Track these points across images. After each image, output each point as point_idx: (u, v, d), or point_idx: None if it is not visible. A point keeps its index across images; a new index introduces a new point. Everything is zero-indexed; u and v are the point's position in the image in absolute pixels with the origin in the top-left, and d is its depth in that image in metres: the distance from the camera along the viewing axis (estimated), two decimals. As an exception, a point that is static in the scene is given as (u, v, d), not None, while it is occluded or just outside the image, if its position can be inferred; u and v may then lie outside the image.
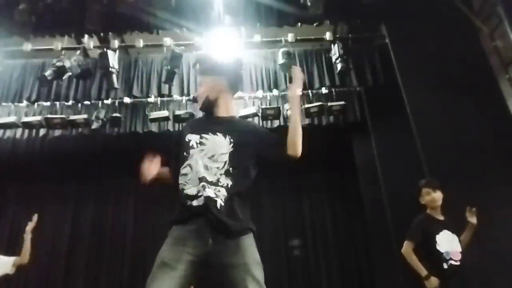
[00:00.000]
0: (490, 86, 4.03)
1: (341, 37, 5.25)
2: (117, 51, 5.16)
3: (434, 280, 2.82)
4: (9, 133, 5.62)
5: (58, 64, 4.92)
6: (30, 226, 3.66)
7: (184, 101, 5.56)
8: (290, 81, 5.63)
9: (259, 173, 1.85)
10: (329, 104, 5.45)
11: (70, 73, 5.03)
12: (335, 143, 6.03)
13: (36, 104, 5.57)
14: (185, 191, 1.70)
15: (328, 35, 5.14)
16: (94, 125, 5.39)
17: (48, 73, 4.94)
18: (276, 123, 5.48)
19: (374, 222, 5.31)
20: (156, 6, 4.35)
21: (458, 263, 2.87)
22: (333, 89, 5.57)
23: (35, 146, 6.16)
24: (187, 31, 4.74)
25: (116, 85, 5.16)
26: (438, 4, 4.29)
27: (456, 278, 2.86)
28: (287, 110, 5.44)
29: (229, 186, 1.69)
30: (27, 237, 3.62)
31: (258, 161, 1.83)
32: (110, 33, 5.06)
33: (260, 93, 5.56)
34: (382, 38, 5.12)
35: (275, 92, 5.60)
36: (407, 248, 2.99)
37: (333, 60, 5.14)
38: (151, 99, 5.58)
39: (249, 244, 1.65)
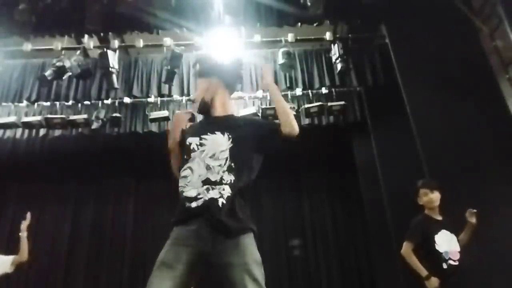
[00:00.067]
0: (490, 86, 4.02)
1: (341, 37, 5.25)
2: (117, 51, 5.16)
3: (434, 280, 2.82)
4: (9, 133, 5.63)
5: (58, 64, 4.92)
6: (24, 224, 3.68)
7: (184, 101, 5.56)
8: (290, 81, 5.65)
9: (259, 173, 1.85)
10: (329, 104, 5.45)
11: (70, 73, 5.03)
12: (335, 143, 6.04)
13: (36, 104, 5.57)
14: (184, 194, 1.70)
15: (328, 35, 5.14)
16: (94, 125, 5.39)
17: (48, 73, 4.94)
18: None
19: (374, 222, 5.31)
20: (156, 6, 4.35)
21: (456, 263, 2.88)
22: (333, 89, 5.57)
23: (35, 146, 6.17)
24: (187, 31, 4.74)
25: (116, 85, 5.16)
26: (438, 4, 4.29)
27: (456, 278, 2.86)
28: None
29: (233, 181, 1.70)
30: (23, 235, 3.64)
31: (260, 150, 1.84)
32: (110, 33, 5.06)
33: (260, 93, 5.56)
34: (382, 38, 5.13)
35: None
36: (406, 249, 2.99)
37: (333, 60, 5.14)
38: (151, 99, 5.58)
39: (249, 244, 1.65)
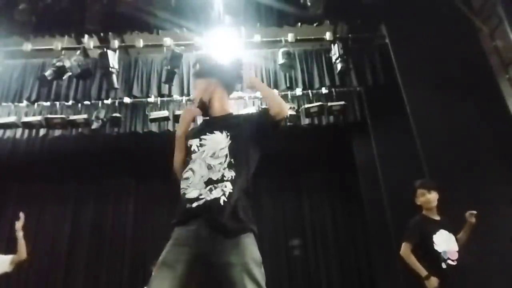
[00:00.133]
0: (490, 86, 4.02)
1: (341, 37, 5.25)
2: (117, 51, 5.16)
3: (434, 280, 2.82)
4: (9, 133, 5.63)
5: (58, 64, 4.92)
6: (19, 224, 3.68)
7: (184, 101, 5.56)
8: (290, 81, 5.64)
9: (259, 173, 1.85)
10: (329, 104, 5.45)
11: (70, 73, 5.03)
12: (335, 143, 6.04)
13: (36, 104, 5.57)
14: (186, 195, 1.71)
15: (328, 35, 5.14)
16: (94, 125, 5.39)
17: (48, 73, 4.94)
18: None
19: (374, 222, 5.31)
20: (156, 6, 4.35)
21: (455, 262, 2.88)
22: (333, 89, 5.58)
23: (35, 146, 6.17)
24: (187, 31, 4.74)
25: (116, 85, 5.16)
26: (438, 4, 4.29)
27: (455, 278, 2.86)
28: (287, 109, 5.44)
29: (233, 177, 1.71)
30: (19, 234, 3.65)
31: (257, 142, 1.85)
32: (110, 33, 5.06)
33: (260, 93, 5.55)
34: (382, 38, 5.12)
35: (275, 92, 5.59)
36: (405, 250, 3.00)
37: (333, 60, 5.14)
38: (151, 99, 5.59)
39: (248, 244, 1.65)
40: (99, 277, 6.20)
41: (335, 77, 5.31)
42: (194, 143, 1.83)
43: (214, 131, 1.83)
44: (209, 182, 1.69)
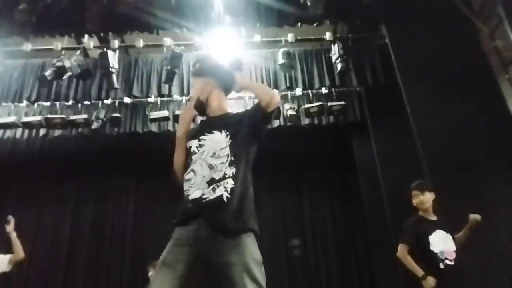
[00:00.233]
0: (490, 86, 4.03)
1: (341, 37, 5.25)
2: (117, 51, 5.16)
3: (431, 280, 2.82)
4: (9, 133, 5.63)
5: (58, 64, 4.92)
6: (9, 227, 3.64)
7: (184, 101, 5.56)
8: (290, 81, 5.64)
9: (259, 173, 1.85)
10: (329, 104, 5.46)
11: (70, 73, 5.03)
12: (335, 143, 6.04)
13: (36, 104, 5.58)
14: (189, 197, 1.71)
15: (328, 35, 5.14)
16: (94, 125, 5.40)
17: (48, 73, 4.94)
18: (276, 123, 5.49)
19: (374, 222, 5.31)
20: (156, 6, 4.35)
21: (453, 262, 2.88)
22: (333, 89, 5.58)
23: (35, 146, 6.17)
24: (187, 31, 4.75)
25: (116, 85, 5.16)
26: (438, 4, 4.29)
27: (453, 278, 2.86)
28: (287, 110, 5.45)
29: (234, 173, 1.72)
30: (12, 235, 3.63)
31: (254, 136, 1.85)
32: (110, 33, 5.06)
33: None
34: (382, 38, 5.13)
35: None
36: (401, 251, 3.00)
37: (333, 60, 5.14)
38: (151, 99, 5.59)
39: (249, 243, 1.65)
40: (99, 277, 6.20)
41: (335, 77, 5.32)
42: (193, 144, 1.83)
43: (213, 131, 1.83)
44: (212, 182, 1.69)
